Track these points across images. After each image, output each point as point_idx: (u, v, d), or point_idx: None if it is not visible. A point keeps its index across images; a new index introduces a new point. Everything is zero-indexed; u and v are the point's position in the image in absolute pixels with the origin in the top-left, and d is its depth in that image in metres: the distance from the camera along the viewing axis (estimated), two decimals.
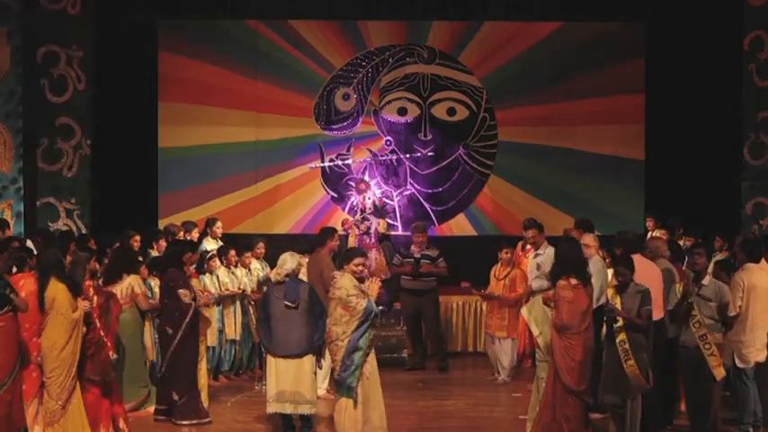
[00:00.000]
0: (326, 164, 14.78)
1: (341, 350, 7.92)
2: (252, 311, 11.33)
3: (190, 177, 14.58)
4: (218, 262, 11.11)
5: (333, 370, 8.18)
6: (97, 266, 9.05)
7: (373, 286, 8.14)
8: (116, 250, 10.08)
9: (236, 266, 11.33)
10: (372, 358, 8.13)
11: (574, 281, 8.01)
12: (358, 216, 13.20)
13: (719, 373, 8.10)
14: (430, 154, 14.81)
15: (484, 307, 12.25)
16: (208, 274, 10.89)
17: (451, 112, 14.85)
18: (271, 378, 8.39)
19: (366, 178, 14.19)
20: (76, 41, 13.32)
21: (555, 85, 14.70)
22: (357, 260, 8.15)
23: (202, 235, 12.15)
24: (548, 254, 9.64)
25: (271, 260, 10.53)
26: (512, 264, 11.42)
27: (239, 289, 11.17)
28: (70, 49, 13.29)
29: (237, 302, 11.24)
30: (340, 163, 14.77)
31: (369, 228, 12.93)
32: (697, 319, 8.09)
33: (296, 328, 8.28)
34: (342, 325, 7.94)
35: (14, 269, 8.59)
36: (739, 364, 8.49)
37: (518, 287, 11.18)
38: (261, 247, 11.81)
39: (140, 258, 10.17)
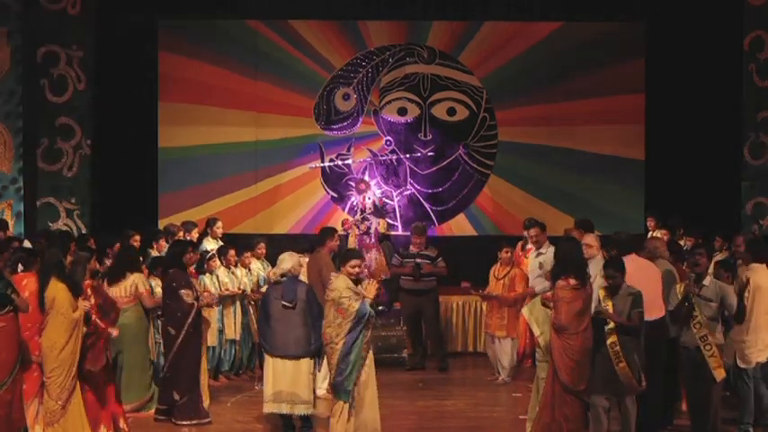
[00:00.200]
0: (326, 164, 14.78)
1: (336, 353, 7.89)
2: (252, 311, 11.34)
3: (190, 177, 14.58)
4: (218, 262, 11.11)
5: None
6: (97, 266, 9.05)
7: (370, 288, 8.10)
8: (120, 249, 10.12)
9: (235, 266, 11.33)
10: (370, 361, 8.08)
11: (573, 281, 8.00)
12: (358, 216, 13.20)
13: (720, 374, 8.09)
14: (430, 154, 14.81)
15: (484, 307, 12.26)
16: (208, 275, 10.89)
17: (451, 112, 14.85)
18: (268, 378, 8.40)
19: (366, 178, 14.20)
20: (76, 41, 13.32)
21: (555, 85, 14.70)
22: (353, 262, 8.11)
23: (202, 235, 12.16)
24: (549, 253, 9.64)
25: (271, 260, 10.53)
26: (511, 263, 11.42)
27: (239, 289, 11.17)
28: (70, 49, 13.29)
29: (237, 302, 11.25)
30: (340, 163, 14.77)
31: (369, 228, 12.93)
32: (698, 320, 8.08)
33: (293, 329, 8.27)
34: (335, 327, 7.91)
35: (21, 268, 8.60)
36: (741, 365, 8.50)
37: (517, 287, 11.20)
38: (261, 248, 11.82)
39: (140, 258, 10.19)
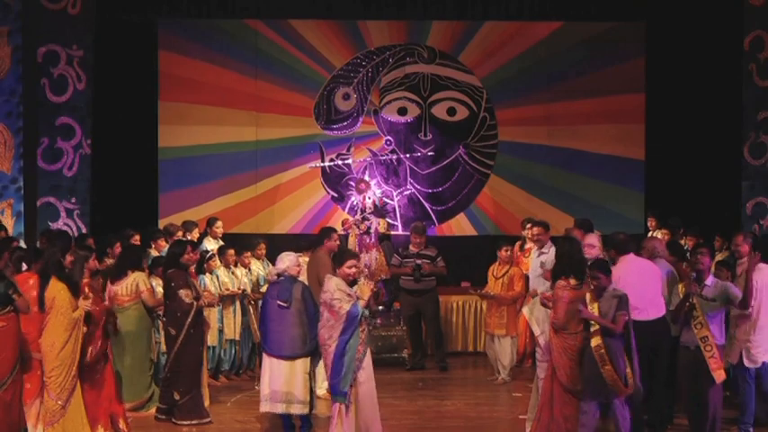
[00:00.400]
0: (327, 164, 14.78)
1: (330, 355, 7.90)
2: (252, 311, 11.34)
3: (190, 177, 14.57)
4: (217, 262, 11.11)
5: None
6: (97, 265, 9.05)
7: (365, 289, 8.09)
8: (124, 247, 10.14)
9: (235, 266, 11.33)
10: (368, 364, 8.07)
11: (573, 281, 8.01)
12: (358, 216, 13.20)
13: (719, 375, 8.07)
14: (430, 154, 14.81)
15: (484, 306, 12.27)
16: (208, 274, 10.90)
17: (451, 111, 14.86)
18: (264, 377, 8.41)
19: (366, 178, 14.19)
20: (77, 41, 13.29)
21: (555, 85, 14.71)
22: (350, 262, 8.10)
23: (203, 235, 12.16)
24: (551, 253, 9.62)
25: (271, 260, 10.53)
26: (510, 262, 11.44)
27: (239, 289, 11.17)
28: (70, 48, 13.26)
29: (237, 302, 11.25)
30: (340, 163, 14.77)
31: (369, 228, 12.93)
32: (699, 320, 8.07)
33: (289, 328, 8.26)
34: (328, 328, 7.92)
35: (24, 267, 8.60)
36: (748, 364, 8.50)
37: (516, 286, 11.23)
38: (262, 248, 11.82)
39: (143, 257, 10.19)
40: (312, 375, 8.52)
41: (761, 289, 8.44)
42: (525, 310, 9.78)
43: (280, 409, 8.37)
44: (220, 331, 11.04)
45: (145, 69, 14.37)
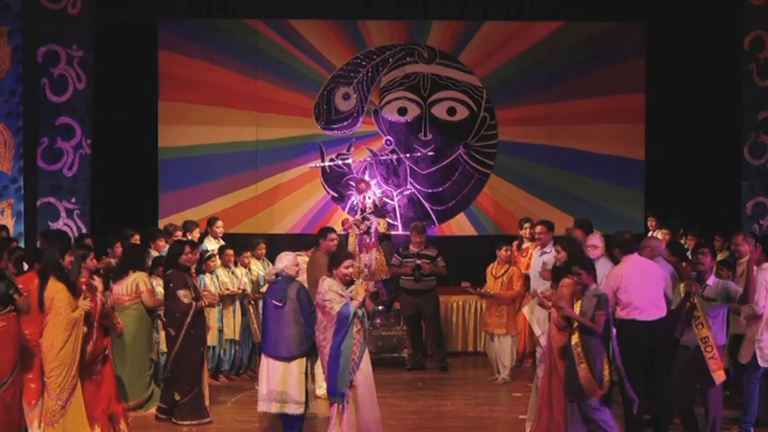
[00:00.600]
0: (327, 164, 14.77)
1: (325, 357, 7.90)
2: (252, 311, 11.34)
3: (190, 177, 14.56)
4: (217, 262, 11.11)
5: None
6: (96, 264, 9.04)
7: (359, 289, 8.08)
8: (127, 247, 10.15)
9: (235, 266, 11.33)
10: (366, 366, 8.05)
11: (578, 280, 8.00)
12: (358, 216, 13.19)
13: (719, 376, 8.07)
14: (430, 154, 14.80)
15: (484, 306, 12.26)
16: (208, 274, 10.89)
17: (451, 111, 14.85)
18: (262, 377, 8.40)
19: (366, 178, 14.18)
20: (77, 41, 13.29)
21: (555, 85, 14.70)
22: (347, 262, 8.10)
23: (203, 234, 12.16)
24: (554, 253, 9.62)
25: (271, 260, 10.52)
26: (510, 262, 11.44)
27: (239, 289, 11.17)
28: (70, 48, 13.26)
29: (237, 302, 11.25)
30: (340, 163, 14.77)
31: (369, 227, 12.93)
32: (699, 320, 8.07)
33: (284, 328, 8.23)
34: (322, 330, 7.92)
35: (26, 267, 8.60)
36: (762, 364, 8.50)
37: (515, 285, 11.24)
38: (262, 248, 11.82)
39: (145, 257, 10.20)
40: (311, 375, 8.51)
41: None
42: (525, 310, 9.78)
43: (274, 408, 8.33)
44: (220, 331, 11.04)
45: (145, 69, 14.36)
